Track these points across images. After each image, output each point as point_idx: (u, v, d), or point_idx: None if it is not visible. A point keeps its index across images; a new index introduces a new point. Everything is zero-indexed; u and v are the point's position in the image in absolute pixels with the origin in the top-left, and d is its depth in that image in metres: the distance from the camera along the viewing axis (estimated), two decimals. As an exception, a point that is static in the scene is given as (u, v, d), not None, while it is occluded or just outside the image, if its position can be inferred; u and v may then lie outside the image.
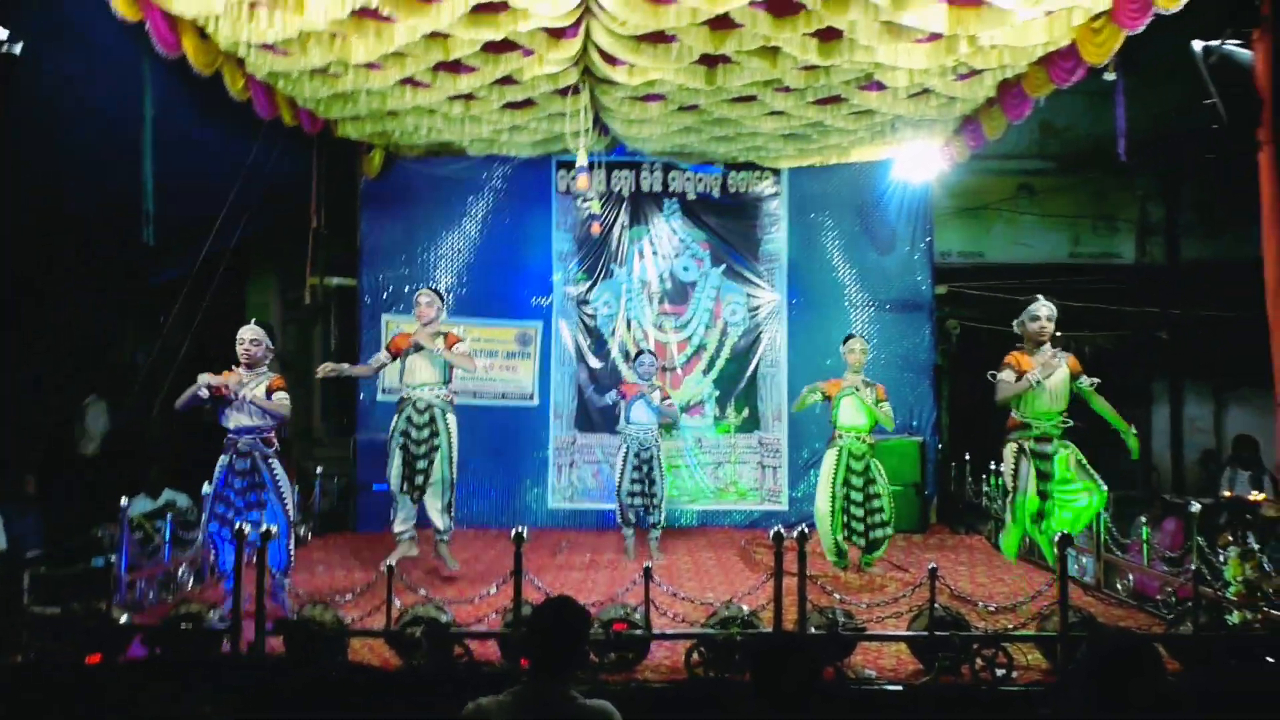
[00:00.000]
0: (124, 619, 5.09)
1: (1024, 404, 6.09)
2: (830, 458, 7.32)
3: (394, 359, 7.24)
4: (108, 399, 9.58)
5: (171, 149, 7.29)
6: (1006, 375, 6.04)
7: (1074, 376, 6.10)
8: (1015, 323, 6.25)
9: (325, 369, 7.23)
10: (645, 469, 7.91)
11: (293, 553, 6.18)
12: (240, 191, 8.08)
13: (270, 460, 6.10)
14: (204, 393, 5.96)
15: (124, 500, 5.99)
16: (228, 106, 7.06)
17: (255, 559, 5.06)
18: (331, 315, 10.69)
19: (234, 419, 6.08)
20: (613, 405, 8.23)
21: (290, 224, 9.79)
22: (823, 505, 7.24)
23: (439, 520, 7.13)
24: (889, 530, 7.27)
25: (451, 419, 7.14)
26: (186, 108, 7.43)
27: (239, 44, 6.42)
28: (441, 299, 7.34)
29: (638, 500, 7.91)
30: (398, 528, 7.16)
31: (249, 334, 6.20)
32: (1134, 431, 6.13)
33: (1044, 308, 6.11)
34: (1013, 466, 6.15)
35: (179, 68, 6.28)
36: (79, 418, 9.49)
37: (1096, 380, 6.09)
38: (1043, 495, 6.06)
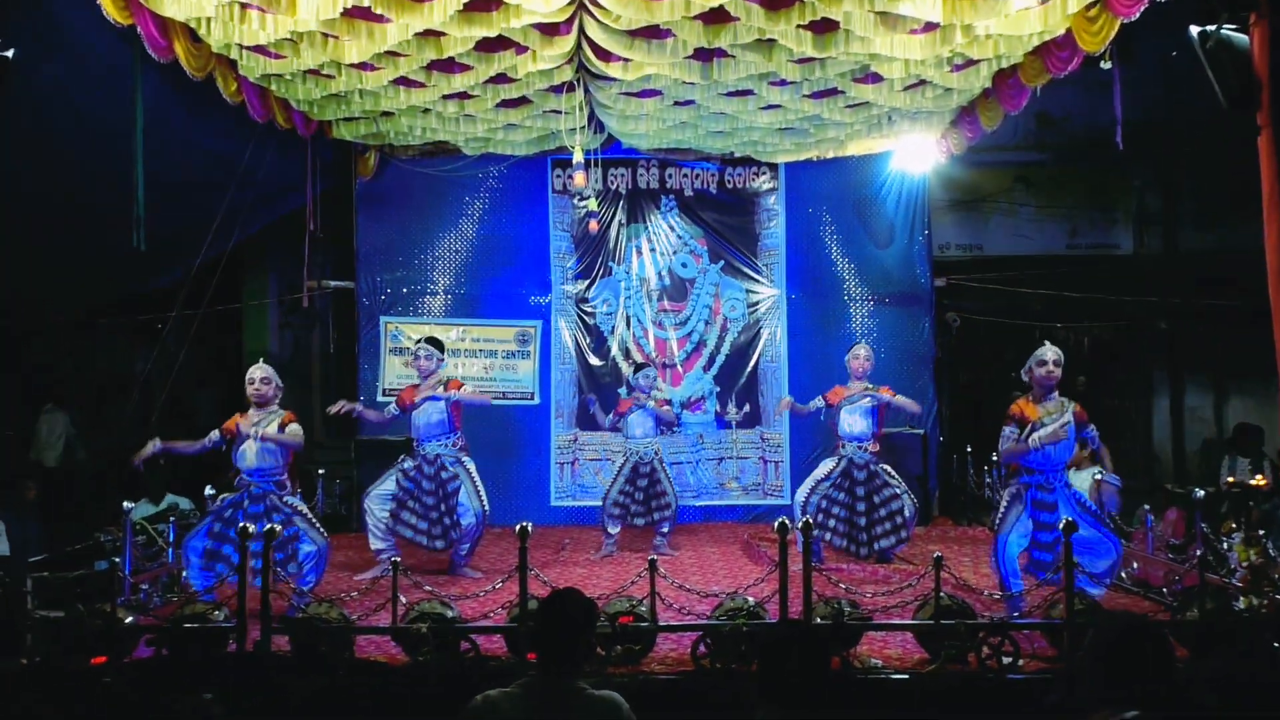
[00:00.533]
0: (129, 620, 5.09)
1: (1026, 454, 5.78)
2: (828, 464, 7.41)
3: (403, 412, 7.27)
4: (67, 408, 9.61)
5: (164, 153, 7.28)
6: (1009, 431, 5.77)
7: (1080, 425, 5.79)
8: (1022, 371, 5.94)
9: (340, 407, 7.31)
10: (644, 481, 7.98)
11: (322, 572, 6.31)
12: (235, 195, 8.08)
13: (285, 498, 6.18)
14: (153, 449, 6.10)
15: (126, 504, 6.00)
16: (221, 109, 7.06)
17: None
18: (329, 318, 10.68)
19: (246, 459, 6.15)
20: (611, 425, 8.32)
21: (286, 227, 9.80)
22: (800, 496, 7.38)
23: (465, 548, 7.22)
24: (901, 535, 7.26)
25: (469, 462, 7.20)
26: (179, 111, 7.43)
27: (231, 46, 6.42)
28: (440, 349, 7.34)
29: (617, 510, 7.99)
30: (376, 545, 7.12)
31: (259, 373, 6.26)
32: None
33: (1050, 352, 5.80)
34: (1003, 509, 5.89)
35: (171, 71, 6.27)
36: (37, 428, 9.54)
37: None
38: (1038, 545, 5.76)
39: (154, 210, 6.74)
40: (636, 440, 8.05)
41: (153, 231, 6.73)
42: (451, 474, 7.09)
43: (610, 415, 8.29)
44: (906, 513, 7.29)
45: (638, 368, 8.53)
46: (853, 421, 7.33)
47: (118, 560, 5.72)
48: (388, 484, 7.16)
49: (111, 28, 5.61)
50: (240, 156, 8.03)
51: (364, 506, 7.21)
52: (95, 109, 7.06)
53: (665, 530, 8.07)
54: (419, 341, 7.40)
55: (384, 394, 9.75)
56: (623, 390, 8.90)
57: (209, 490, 6.84)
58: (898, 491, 7.30)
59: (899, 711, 4.63)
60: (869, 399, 7.32)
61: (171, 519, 6.57)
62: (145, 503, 8.01)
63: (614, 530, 8.03)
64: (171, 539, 6.42)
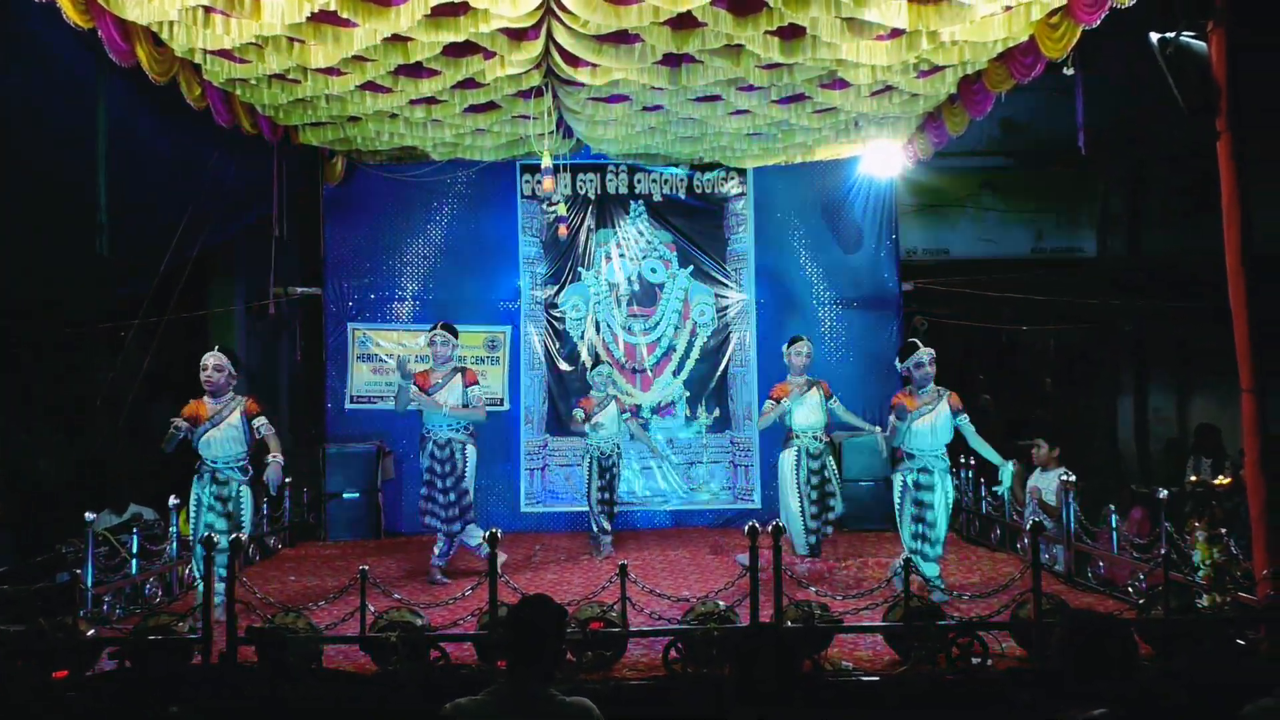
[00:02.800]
0: (91, 633, 5.01)
1: (906, 439, 6.50)
2: (789, 457, 7.68)
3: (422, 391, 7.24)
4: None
5: (127, 159, 7.18)
6: (892, 419, 6.68)
7: (955, 413, 6.48)
8: (901, 367, 6.74)
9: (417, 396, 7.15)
10: (608, 477, 8.20)
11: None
12: (200, 201, 7.99)
13: (242, 488, 6.28)
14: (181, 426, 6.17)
15: (89, 514, 5.91)
16: (185, 115, 6.98)
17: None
18: (297, 325, 10.59)
19: (210, 447, 6.20)
20: (581, 422, 8.37)
21: (252, 234, 9.70)
22: (792, 503, 7.61)
23: (472, 540, 7.24)
24: (830, 529, 7.73)
25: (471, 451, 7.25)
26: (142, 116, 7.33)
27: (195, 50, 6.34)
28: (455, 334, 7.40)
29: (604, 509, 8.21)
30: (436, 561, 7.24)
31: (211, 360, 6.31)
32: (1011, 466, 6.56)
33: (926, 354, 6.59)
34: (898, 497, 6.64)
35: (134, 76, 6.19)
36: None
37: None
38: (918, 520, 6.49)
39: (117, 217, 6.65)
40: (600, 438, 8.18)
41: (116, 238, 6.64)
42: (460, 460, 7.17)
43: (579, 411, 8.38)
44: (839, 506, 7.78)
45: (593, 365, 8.77)
46: (804, 413, 7.68)
47: (79, 572, 5.62)
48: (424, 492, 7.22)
49: (72, 32, 5.53)
50: (205, 162, 7.94)
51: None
52: (57, 114, 6.96)
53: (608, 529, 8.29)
54: (434, 327, 7.44)
55: (352, 400, 9.70)
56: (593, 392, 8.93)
57: (173, 501, 6.77)
58: (838, 485, 7.84)
59: (870, 713, 4.65)
60: (812, 391, 7.72)
61: (135, 529, 6.47)
62: (108, 513, 7.89)
63: (609, 527, 8.22)
64: (135, 550, 6.32)
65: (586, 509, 8.37)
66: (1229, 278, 5.33)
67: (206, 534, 5.11)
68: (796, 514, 7.58)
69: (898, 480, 6.64)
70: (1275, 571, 5.00)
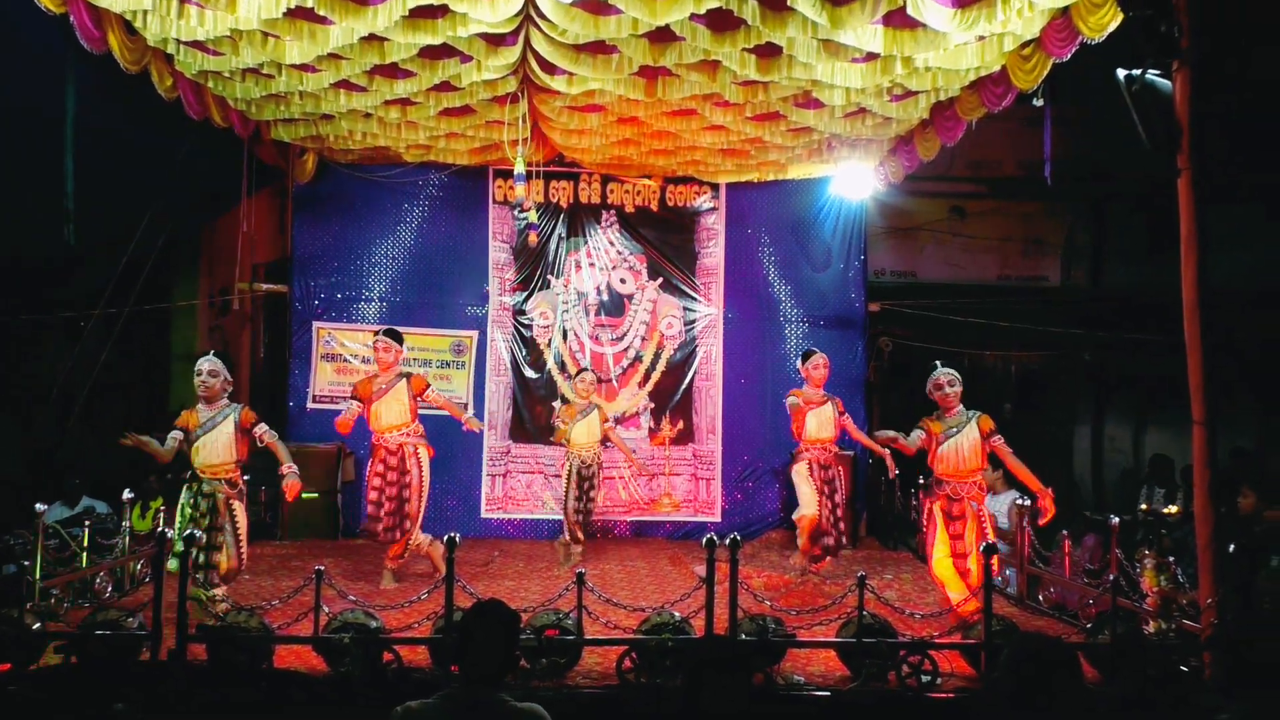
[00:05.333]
0: (36, 626, 4.94)
1: (937, 464, 6.29)
2: (802, 468, 7.68)
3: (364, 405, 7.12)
4: None
5: (95, 147, 7.12)
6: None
7: (986, 435, 6.24)
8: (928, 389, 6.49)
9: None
10: (586, 485, 8.20)
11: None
12: (167, 193, 7.92)
13: (233, 504, 6.14)
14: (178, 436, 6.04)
15: (39, 506, 5.82)
16: (156, 106, 6.91)
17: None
18: (261, 322, 10.51)
19: (199, 455, 6.06)
20: (561, 431, 8.42)
21: (219, 228, 9.63)
22: (809, 509, 7.58)
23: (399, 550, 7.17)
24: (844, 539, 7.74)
25: (423, 454, 7.15)
26: (112, 105, 7.27)
27: (168, 41, 6.31)
28: (399, 340, 7.23)
29: (581, 518, 8.20)
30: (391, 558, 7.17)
31: (206, 365, 6.13)
32: (1049, 493, 6.18)
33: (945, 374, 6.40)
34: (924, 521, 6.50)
35: (105, 64, 6.13)
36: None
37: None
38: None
39: (83, 206, 6.58)
40: (578, 445, 8.20)
41: (83, 227, 6.57)
42: (408, 468, 7.04)
43: (560, 424, 8.44)
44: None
45: (576, 374, 8.71)
46: (816, 427, 7.70)
47: (27, 564, 5.54)
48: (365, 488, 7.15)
49: (43, 16, 5.48)
50: (174, 154, 7.88)
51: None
52: (23, 99, 6.88)
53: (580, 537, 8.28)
54: (378, 334, 7.28)
55: (314, 399, 9.63)
56: (558, 400, 8.98)
57: (127, 494, 6.69)
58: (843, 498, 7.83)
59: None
60: (828, 406, 7.75)
61: (87, 523, 6.38)
62: (60, 505, 7.78)
63: (582, 537, 8.21)
64: (86, 544, 6.23)
65: (560, 517, 8.41)
66: (1185, 311, 5.45)
67: (162, 529, 5.05)
68: (814, 516, 7.53)
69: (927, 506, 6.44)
70: (1220, 600, 5.10)
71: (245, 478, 6.37)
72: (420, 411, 7.17)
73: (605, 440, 8.48)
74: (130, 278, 8.22)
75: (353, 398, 7.08)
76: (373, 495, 7.05)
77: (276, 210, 10.51)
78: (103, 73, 6.42)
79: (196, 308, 10.91)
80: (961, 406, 6.34)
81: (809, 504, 7.59)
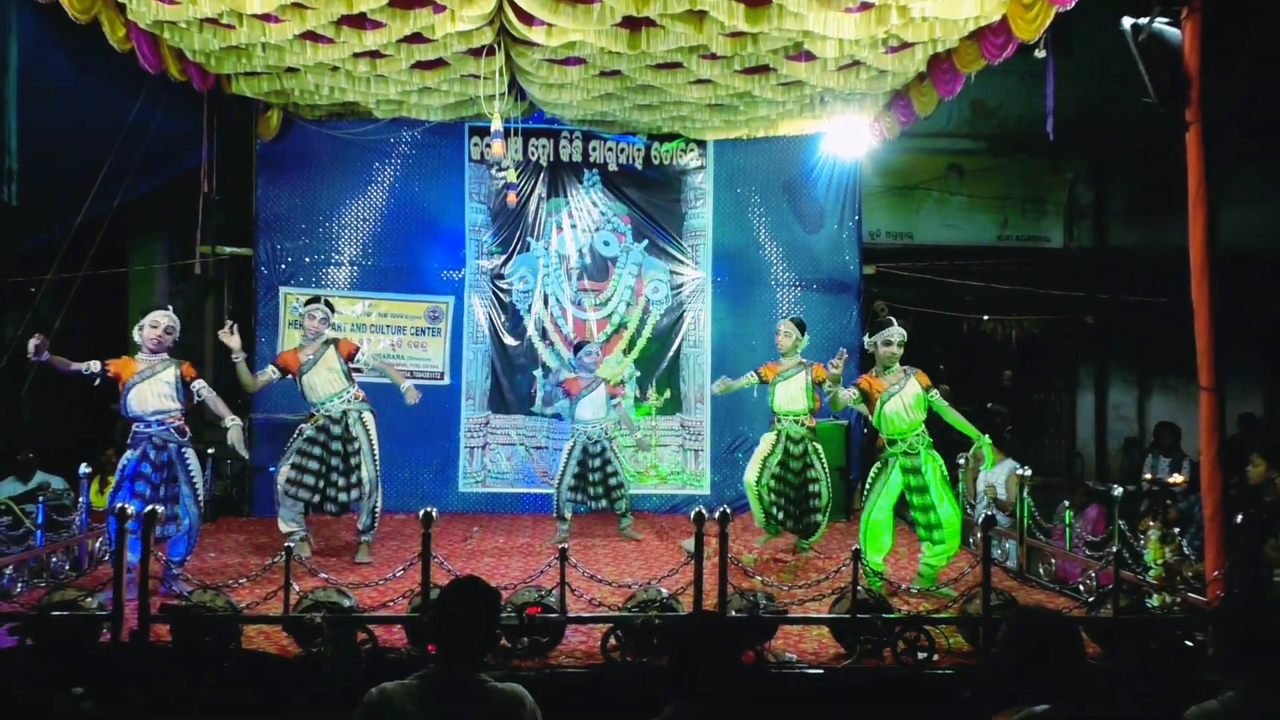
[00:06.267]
0: (-10, 608, 4.92)
1: (882, 425, 6.64)
2: (768, 438, 7.66)
3: (284, 376, 7.12)
4: None
5: (41, 102, 6.99)
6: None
7: (925, 389, 6.60)
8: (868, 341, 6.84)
9: (231, 340, 6.81)
10: (596, 462, 8.11)
11: (194, 544, 6.32)
12: (121, 151, 7.79)
13: (185, 450, 6.20)
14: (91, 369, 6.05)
15: (-10, 481, 5.79)
16: (108, 57, 6.79)
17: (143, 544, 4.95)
18: (225, 287, 10.42)
19: (140, 406, 6.08)
20: (560, 407, 8.40)
21: (179, 188, 9.50)
22: (750, 475, 7.60)
23: (364, 519, 7.13)
24: (824, 517, 7.60)
25: (369, 418, 7.16)
26: (59, 57, 7.14)
27: (121, -13, 6.19)
28: (330, 309, 7.25)
29: (577, 495, 8.11)
30: (286, 528, 6.95)
31: (164, 319, 6.23)
32: (987, 440, 6.56)
33: (896, 333, 6.67)
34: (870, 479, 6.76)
35: (52, 13, 6.01)
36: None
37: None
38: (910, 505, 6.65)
39: (28, 163, 6.47)
40: (585, 421, 8.15)
41: (27, 186, 6.46)
42: (353, 435, 7.07)
43: (560, 397, 8.40)
44: (825, 493, 7.62)
45: (578, 347, 8.71)
46: (786, 397, 7.63)
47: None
48: (291, 454, 7.05)
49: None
50: (128, 109, 7.74)
51: (277, 486, 7.03)
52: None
53: (624, 510, 8.24)
54: (307, 302, 7.32)
55: (282, 370, 9.57)
56: (564, 372, 9.01)
57: (84, 469, 6.64)
58: (824, 472, 7.64)
59: (814, 706, 4.73)
60: (801, 374, 7.63)
61: (41, 498, 6.33)
62: (12, 480, 7.74)
63: (569, 516, 8.10)
64: (41, 520, 6.20)
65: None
66: (1192, 273, 5.44)
67: (121, 504, 5.01)
68: (752, 485, 7.54)
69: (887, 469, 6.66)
70: (1227, 572, 5.14)
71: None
72: (385, 383, 7.18)
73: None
74: (84, 241, 8.11)
75: (274, 364, 7.13)
76: (314, 466, 6.98)
77: (240, 169, 10.37)
78: (50, 22, 6.30)
79: (155, 273, 10.80)
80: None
81: (750, 470, 7.62)
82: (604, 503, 8.17)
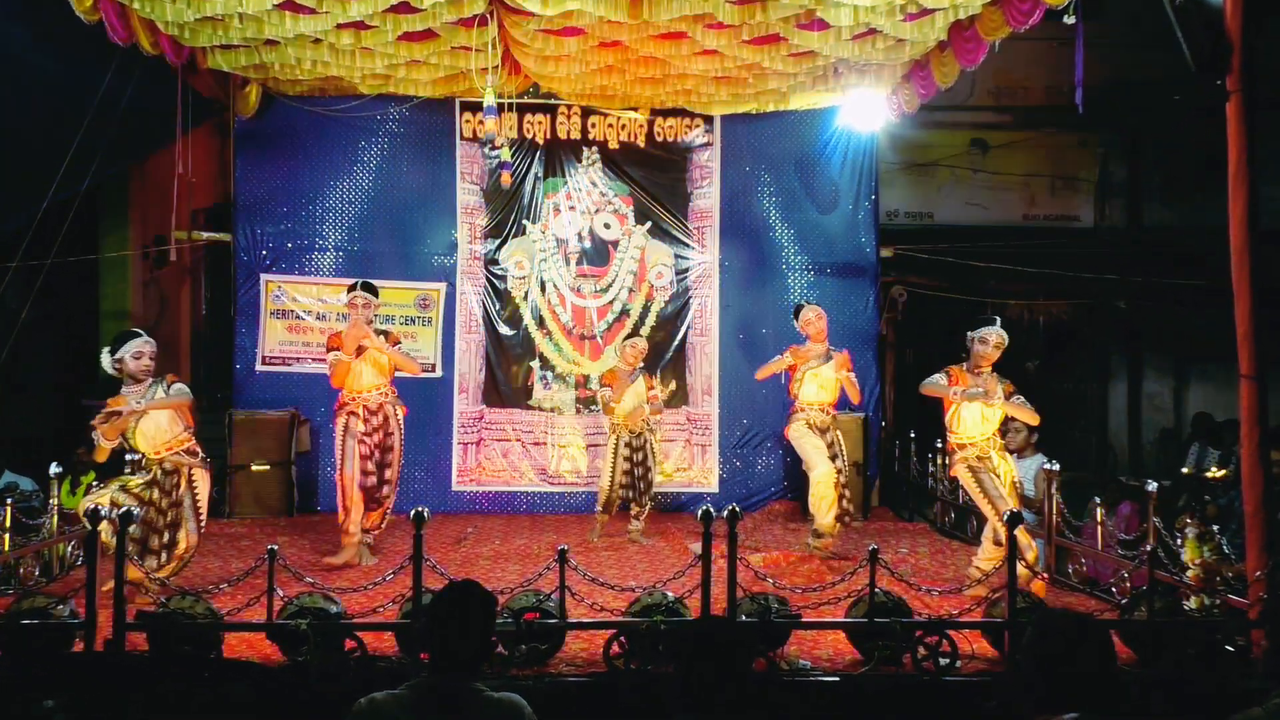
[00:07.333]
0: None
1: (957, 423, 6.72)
2: (799, 426, 7.73)
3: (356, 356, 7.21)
4: None
5: (3, 77, 6.99)
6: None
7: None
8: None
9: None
10: (640, 456, 8.20)
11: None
12: (90, 129, 7.79)
13: (193, 474, 6.33)
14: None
15: (-45, 483, 5.81)
16: (74, 30, 6.78)
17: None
18: (202, 274, 10.45)
19: (149, 444, 6.23)
20: (607, 401, 8.41)
21: (152, 170, 9.52)
22: (824, 474, 7.56)
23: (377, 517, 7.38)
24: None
25: (400, 414, 7.39)
26: (21, 29, 7.13)
27: (87, -45, 6.19)
28: (375, 294, 7.46)
29: (629, 493, 8.19)
30: (354, 529, 7.20)
31: (149, 348, 6.31)
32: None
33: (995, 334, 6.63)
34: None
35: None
36: None
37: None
38: None
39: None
40: (628, 417, 8.19)
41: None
42: (392, 429, 7.32)
43: (604, 390, 8.56)
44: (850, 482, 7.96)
45: (628, 336, 8.74)
46: (813, 387, 7.77)
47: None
48: (349, 451, 7.17)
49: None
50: (96, 85, 7.73)
51: (348, 488, 7.16)
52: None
53: (644, 511, 8.29)
54: (354, 286, 7.42)
55: (264, 361, 9.59)
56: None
57: (55, 469, 6.66)
58: (846, 461, 7.86)
59: (829, 715, 4.73)
60: (828, 364, 7.74)
61: (9, 501, 6.34)
62: (-22, 481, 7.76)
63: (604, 518, 8.26)
64: (8, 524, 6.21)
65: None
66: (1232, 254, 5.42)
67: (94, 506, 5.03)
68: (830, 486, 7.52)
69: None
70: (1270, 573, 5.13)
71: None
72: None
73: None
74: (51, 226, 8.12)
75: (332, 348, 7.20)
76: (365, 451, 7.17)
77: (217, 149, 10.39)
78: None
79: (128, 259, 10.80)
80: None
81: (819, 460, 7.60)
82: (634, 501, 8.27)
